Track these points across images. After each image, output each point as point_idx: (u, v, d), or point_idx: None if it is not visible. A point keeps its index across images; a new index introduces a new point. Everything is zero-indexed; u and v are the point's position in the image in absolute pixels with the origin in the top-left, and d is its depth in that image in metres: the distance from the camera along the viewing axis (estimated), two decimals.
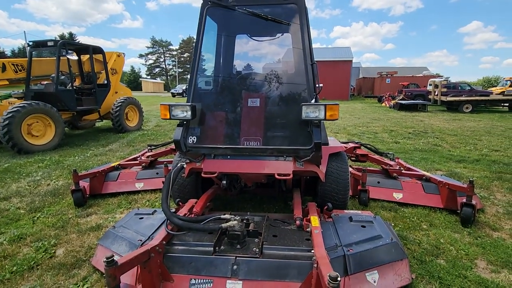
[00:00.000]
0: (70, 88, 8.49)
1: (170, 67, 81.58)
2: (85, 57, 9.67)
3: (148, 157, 4.83)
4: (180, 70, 77.57)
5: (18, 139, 6.89)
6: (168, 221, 2.41)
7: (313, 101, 2.59)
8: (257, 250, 2.19)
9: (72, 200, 3.94)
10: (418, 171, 4.30)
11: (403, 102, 19.12)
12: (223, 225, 2.30)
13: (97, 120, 10.08)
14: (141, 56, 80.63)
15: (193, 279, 2.12)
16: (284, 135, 2.71)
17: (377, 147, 6.99)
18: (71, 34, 65.39)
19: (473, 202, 3.26)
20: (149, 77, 77.79)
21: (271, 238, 2.41)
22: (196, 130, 2.75)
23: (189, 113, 2.55)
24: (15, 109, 6.85)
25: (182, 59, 79.72)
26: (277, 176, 2.57)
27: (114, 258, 1.67)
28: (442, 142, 8.29)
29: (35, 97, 7.81)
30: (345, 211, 3.12)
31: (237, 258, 2.17)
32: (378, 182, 4.14)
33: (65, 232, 3.25)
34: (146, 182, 4.42)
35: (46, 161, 6.48)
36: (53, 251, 2.87)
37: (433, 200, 3.75)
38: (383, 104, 23.15)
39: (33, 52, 8.44)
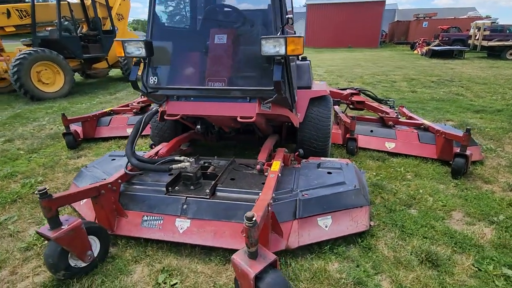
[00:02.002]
0: (75, 34, 8.38)
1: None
2: (88, 1, 9.35)
3: (139, 103, 4.82)
4: None
5: (29, 86, 7.11)
6: (128, 161, 2.42)
7: (278, 34, 2.29)
8: (208, 191, 2.16)
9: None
10: (418, 120, 3.94)
11: (436, 48, 17.20)
12: (174, 166, 2.27)
13: (108, 69, 10.11)
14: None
15: (145, 216, 2.17)
16: (249, 75, 2.49)
17: (388, 97, 6.51)
18: None
19: (467, 152, 2.97)
20: None
21: (227, 181, 2.37)
22: (157, 69, 2.59)
23: (143, 50, 2.37)
24: (22, 56, 6.95)
25: None
26: (239, 119, 2.43)
27: (48, 191, 1.71)
28: (466, 91, 7.50)
29: (42, 44, 7.85)
30: (322, 158, 2.98)
31: (188, 198, 2.17)
32: (371, 131, 3.87)
33: (52, 171, 3.44)
34: None
35: (55, 107, 6.74)
36: (36, 188, 3.06)
37: (427, 150, 3.47)
38: (415, 52, 21.04)
39: None
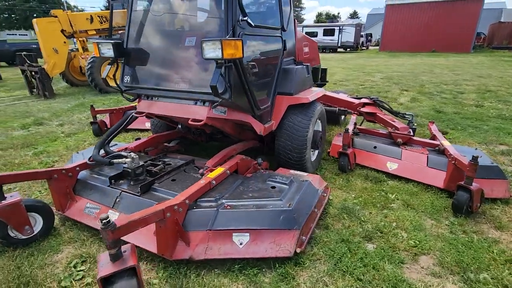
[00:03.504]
0: None
1: None
2: None
3: None
4: None
5: (98, 80, 8.37)
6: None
7: (227, 36, 2.20)
8: (139, 189, 2.22)
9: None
10: (439, 140, 3.28)
11: None
12: (115, 160, 2.40)
13: None
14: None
15: (88, 203, 2.36)
16: (199, 77, 2.45)
17: (441, 110, 5.58)
18: None
19: (473, 185, 2.35)
20: None
21: (167, 182, 2.39)
22: (130, 69, 2.77)
23: (111, 51, 2.56)
24: (95, 55, 8.23)
25: None
26: (190, 122, 2.42)
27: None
28: None
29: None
30: (291, 171, 2.75)
31: (122, 192, 2.27)
32: (375, 147, 3.38)
33: (70, 154, 4.00)
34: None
35: (113, 100, 7.77)
36: (50, 165, 3.61)
37: (434, 177, 2.86)
38: None
39: (113, 4, 9.64)
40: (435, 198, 2.69)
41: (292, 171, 2.75)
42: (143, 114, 2.75)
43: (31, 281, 1.83)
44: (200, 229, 1.95)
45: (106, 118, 4.95)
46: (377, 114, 3.62)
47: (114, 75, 2.72)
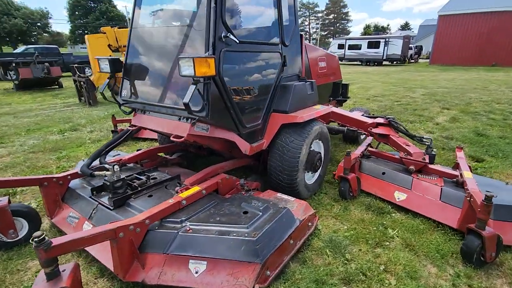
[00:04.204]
0: None
1: (314, 30, 79.99)
2: None
3: None
4: (323, 32, 74.99)
5: None
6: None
7: (207, 53, 2.15)
8: (112, 203, 2.23)
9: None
10: (457, 170, 2.83)
11: None
12: (96, 173, 2.44)
13: None
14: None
15: (71, 212, 2.43)
16: (183, 94, 2.41)
17: (483, 132, 4.92)
18: None
19: (486, 231, 1.94)
20: None
21: (144, 197, 2.37)
22: (127, 84, 2.86)
23: (108, 66, 2.67)
24: None
25: (327, 21, 76.23)
26: (172, 138, 2.40)
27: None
28: None
29: None
30: (278, 194, 2.58)
31: (98, 205, 2.30)
32: (383, 173, 3.03)
33: None
34: None
35: None
36: (66, 170, 3.87)
37: (447, 214, 2.45)
38: None
39: None
40: (443, 240, 2.29)
41: (278, 195, 2.57)
42: (136, 127, 2.80)
43: None
44: (157, 251, 1.87)
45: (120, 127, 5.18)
46: (390, 136, 3.26)
47: (111, 89, 2.83)
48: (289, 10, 3.04)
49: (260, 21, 2.80)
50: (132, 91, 2.82)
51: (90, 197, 2.42)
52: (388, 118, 3.55)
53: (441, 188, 2.61)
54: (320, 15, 77.15)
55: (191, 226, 1.97)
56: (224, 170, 2.73)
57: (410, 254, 2.16)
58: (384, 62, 28.03)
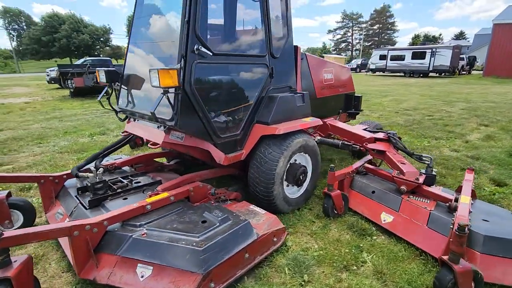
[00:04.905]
0: None
1: (357, 41, 77.91)
2: None
3: None
4: (367, 43, 72.66)
5: None
6: None
7: (178, 65, 2.24)
8: (87, 203, 2.39)
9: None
10: (454, 193, 2.54)
11: None
12: (79, 173, 2.64)
13: None
14: (329, 31, 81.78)
15: (59, 209, 2.66)
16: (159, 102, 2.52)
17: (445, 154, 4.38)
18: None
19: (459, 264, 1.71)
20: (334, 52, 78.24)
21: (119, 200, 2.50)
22: (123, 93, 3.07)
23: (104, 77, 2.90)
24: None
25: (371, 31, 73.83)
26: (149, 145, 2.53)
27: None
28: None
29: None
30: (251, 206, 2.55)
31: (79, 204, 2.48)
32: (373, 192, 2.83)
33: None
34: None
35: None
36: None
37: (430, 242, 2.20)
38: None
39: None
40: (421, 271, 2.06)
41: (251, 207, 2.54)
42: (127, 133, 2.99)
43: None
44: (111, 252, 1.96)
45: None
46: (387, 152, 3.03)
47: (108, 98, 3.06)
48: (282, 21, 3.05)
49: (243, 33, 2.84)
50: (125, 99, 3.02)
51: (76, 196, 2.62)
52: (390, 133, 3.31)
53: (430, 213, 2.36)
54: (364, 25, 75.05)
55: (146, 231, 2.03)
56: (202, 179, 2.78)
57: (377, 282, 1.98)
58: (431, 74, 26.20)
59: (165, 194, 2.37)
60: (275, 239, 2.29)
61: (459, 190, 2.70)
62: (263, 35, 2.82)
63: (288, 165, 2.78)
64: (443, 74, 26.40)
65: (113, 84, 3.03)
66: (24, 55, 52.42)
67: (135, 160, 3.30)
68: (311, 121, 3.01)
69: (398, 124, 6.83)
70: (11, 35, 52.50)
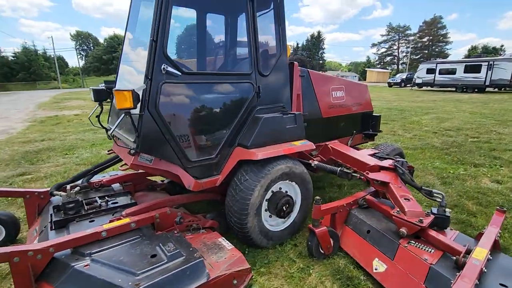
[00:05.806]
0: None
1: (404, 54, 73.90)
2: None
3: None
4: (415, 56, 68.55)
5: None
6: None
7: (144, 86, 2.14)
8: (53, 224, 2.34)
9: None
10: (470, 243, 2.00)
11: None
12: (54, 192, 2.62)
13: None
14: (373, 45, 78.96)
15: (37, 226, 2.65)
16: (127, 125, 2.44)
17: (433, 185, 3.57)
18: (318, 32, 75.24)
19: None
20: (378, 66, 75.08)
21: (85, 222, 2.42)
22: (111, 111, 3.08)
23: (93, 95, 2.93)
24: None
25: (419, 44, 69.60)
26: (120, 167, 2.44)
27: None
28: None
29: None
30: (219, 239, 2.31)
31: (50, 222, 2.45)
32: (368, 232, 2.39)
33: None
34: None
35: None
36: None
37: None
38: None
39: None
40: None
41: (219, 240, 2.29)
42: (110, 152, 2.96)
43: None
44: (51, 282, 1.84)
45: None
46: (390, 184, 2.57)
47: (98, 116, 3.08)
48: (275, 38, 2.84)
49: (225, 51, 2.68)
50: (112, 118, 3.02)
51: (50, 214, 2.61)
52: (397, 161, 2.84)
53: (430, 267, 1.88)
54: (412, 38, 71.11)
55: (90, 262, 1.89)
56: (176, 204, 2.61)
57: None
58: (489, 89, 23.56)
59: (126, 220, 2.23)
60: (235, 282, 1.99)
61: (478, 238, 2.15)
62: (249, 52, 2.63)
63: (271, 193, 2.49)
64: (502, 89, 23.60)
65: (101, 102, 3.05)
66: (88, 72, 59.08)
67: (125, 178, 3.25)
68: (301, 145, 2.69)
69: (432, 147, 6.04)
70: (80, 55, 59.93)
